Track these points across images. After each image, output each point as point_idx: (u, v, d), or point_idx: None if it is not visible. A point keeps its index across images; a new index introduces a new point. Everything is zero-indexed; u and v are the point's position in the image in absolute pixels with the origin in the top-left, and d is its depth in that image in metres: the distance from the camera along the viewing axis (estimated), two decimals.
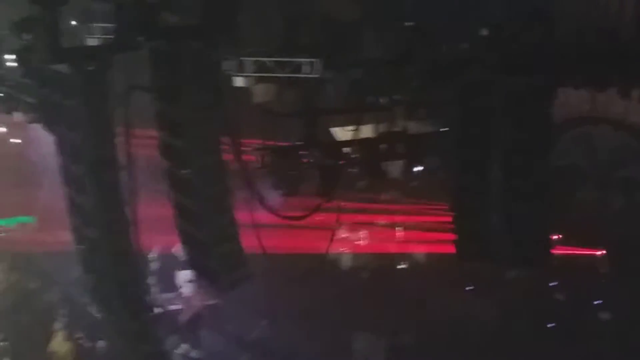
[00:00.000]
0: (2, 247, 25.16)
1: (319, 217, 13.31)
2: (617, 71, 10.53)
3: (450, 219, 12.09)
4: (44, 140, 12.74)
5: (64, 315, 20.28)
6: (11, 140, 28.70)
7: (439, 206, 18.50)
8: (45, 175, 25.81)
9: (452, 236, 12.11)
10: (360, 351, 19.26)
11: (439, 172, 13.34)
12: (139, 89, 11.47)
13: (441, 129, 13.18)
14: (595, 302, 18.79)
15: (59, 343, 19.04)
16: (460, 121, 11.25)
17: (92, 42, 11.63)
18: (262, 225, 12.39)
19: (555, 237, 15.15)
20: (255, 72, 13.33)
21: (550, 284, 19.75)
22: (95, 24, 13.84)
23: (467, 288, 20.81)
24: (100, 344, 18.86)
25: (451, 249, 12.32)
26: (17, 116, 12.69)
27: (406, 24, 11.77)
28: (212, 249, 11.72)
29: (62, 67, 10.44)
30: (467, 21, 11.14)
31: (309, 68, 12.65)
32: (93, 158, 10.74)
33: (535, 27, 10.31)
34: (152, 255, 22.33)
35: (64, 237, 12.75)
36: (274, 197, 12.76)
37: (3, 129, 27.78)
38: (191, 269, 13.85)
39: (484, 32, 10.81)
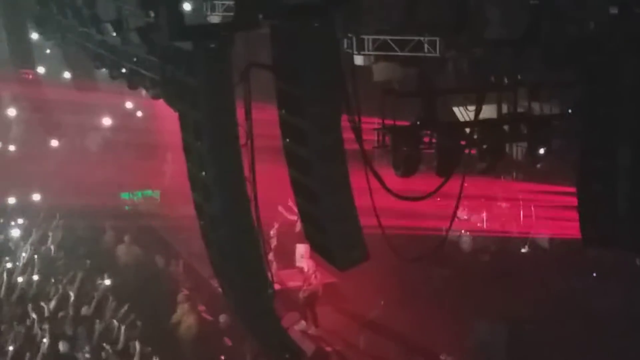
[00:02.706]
0: (126, 220, 25.90)
1: (439, 198, 13.08)
2: None
3: (575, 203, 11.77)
4: (168, 115, 12.96)
5: (187, 288, 20.75)
6: (137, 114, 29.54)
7: (564, 189, 18.05)
8: (169, 150, 26.50)
9: (577, 220, 11.78)
10: (481, 336, 18.99)
11: (565, 155, 12.96)
12: (259, 66, 11.52)
13: (567, 111, 12.83)
14: None
15: (185, 314, 19.45)
16: (587, 103, 10.91)
17: (213, 19, 11.71)
18: (380, 205, 12.31)
19: None
20: (375, 51, 13.25)
21: None
22: (217, 1, 13.99)
23: (592, 275, 20.31)
24: (223, 317, 19.18)
25: (576, 234, 12.00)
26: (142, 92, 12.94)
27: (531, 1, 11.42)
28: (330, 227, 11.71)
29: (185, 45, 10.58)
30: None
31: (430, 47, 12.48)
32: (214, 135, 10.85)
33: None
34: (272, 231, 22.64)
35: (187, 211, 12.99)
36: (392, 177, 12.62)
37: (130, 104, 28.66)
38: (310, 247, 13.91)
39: (612, 10, 10.38)
